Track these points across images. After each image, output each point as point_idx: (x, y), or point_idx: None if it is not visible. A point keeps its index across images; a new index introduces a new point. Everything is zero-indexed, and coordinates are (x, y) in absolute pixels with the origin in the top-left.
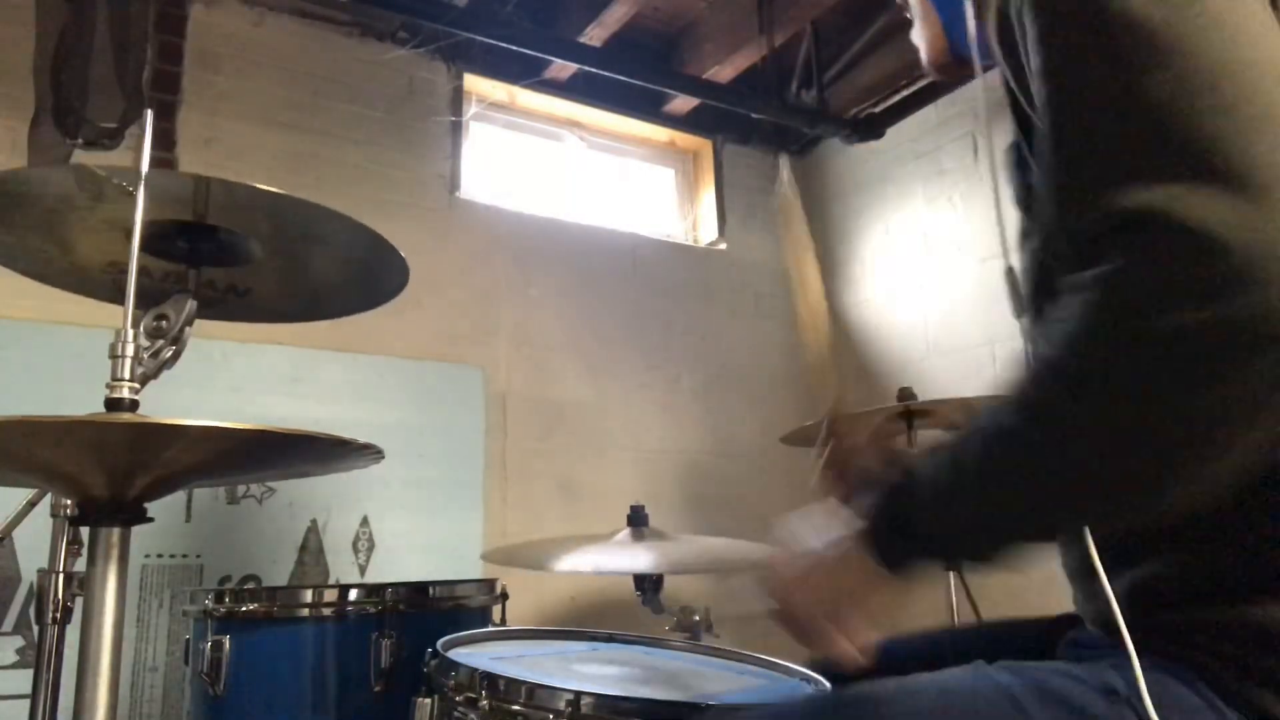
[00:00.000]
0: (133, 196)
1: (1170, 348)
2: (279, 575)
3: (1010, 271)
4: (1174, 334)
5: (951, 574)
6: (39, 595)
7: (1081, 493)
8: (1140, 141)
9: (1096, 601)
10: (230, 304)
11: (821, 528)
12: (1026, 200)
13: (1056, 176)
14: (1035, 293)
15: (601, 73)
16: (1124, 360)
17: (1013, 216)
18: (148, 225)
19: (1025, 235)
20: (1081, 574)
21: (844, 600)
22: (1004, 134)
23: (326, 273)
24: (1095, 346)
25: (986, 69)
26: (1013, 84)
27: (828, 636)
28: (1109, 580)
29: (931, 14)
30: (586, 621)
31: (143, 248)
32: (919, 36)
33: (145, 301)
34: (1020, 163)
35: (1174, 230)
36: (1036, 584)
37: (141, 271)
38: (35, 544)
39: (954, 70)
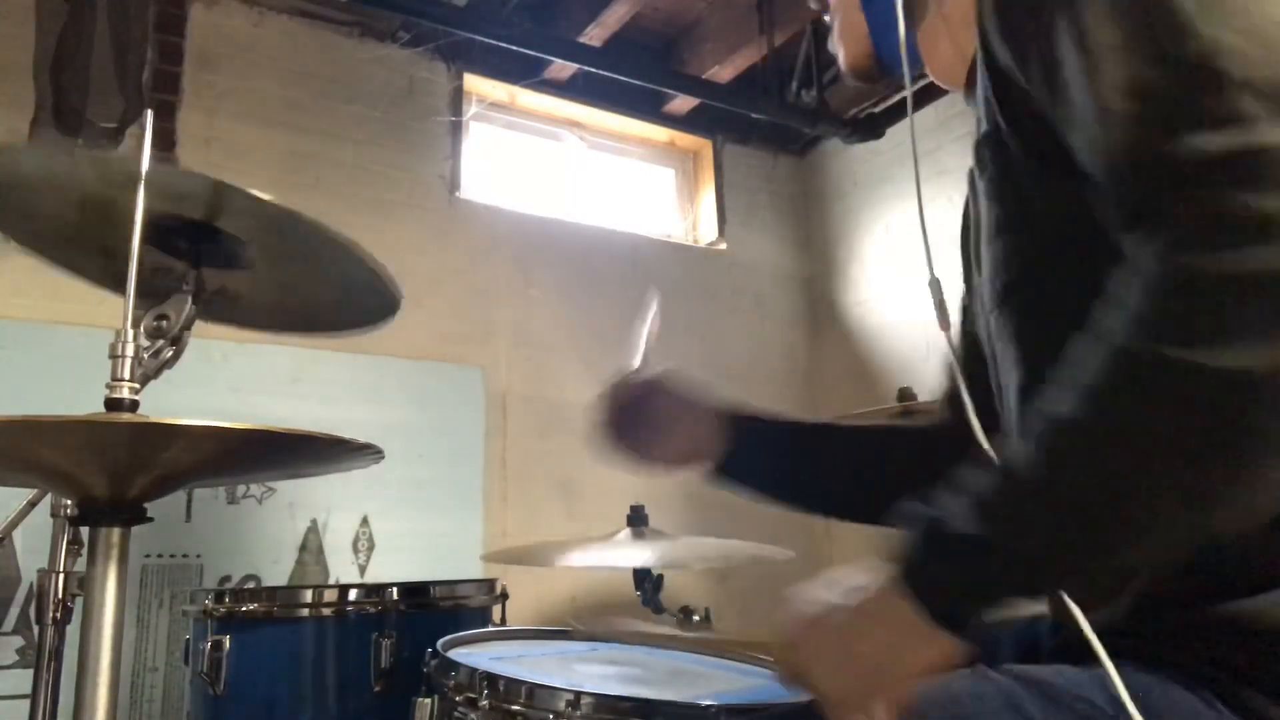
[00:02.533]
0: (146, 191)
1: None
2: (279, 575)
3: (936, 283)
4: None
5: None
6: (39, 595)
7: (1171, 486)
8: (1219, 85)
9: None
10: (219, 307)
11: (846, 586)
12: (1012, 190)
13: (1124, 123)
14: (1012, 288)
15: (601, 73)
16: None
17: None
18: (148, 218)
19: (1000, 229)
20: None
21: (884, 661)
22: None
23: (322, 288)
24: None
25: (916, 77)
26: (1012, 69)
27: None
28: None
29: (857, 18)
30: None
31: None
32: (838, 41)
33: (138, 295)
34: (999, 152)
35: (1265, 163)
36: None
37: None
38: (35, 544)
39: (874, 75)
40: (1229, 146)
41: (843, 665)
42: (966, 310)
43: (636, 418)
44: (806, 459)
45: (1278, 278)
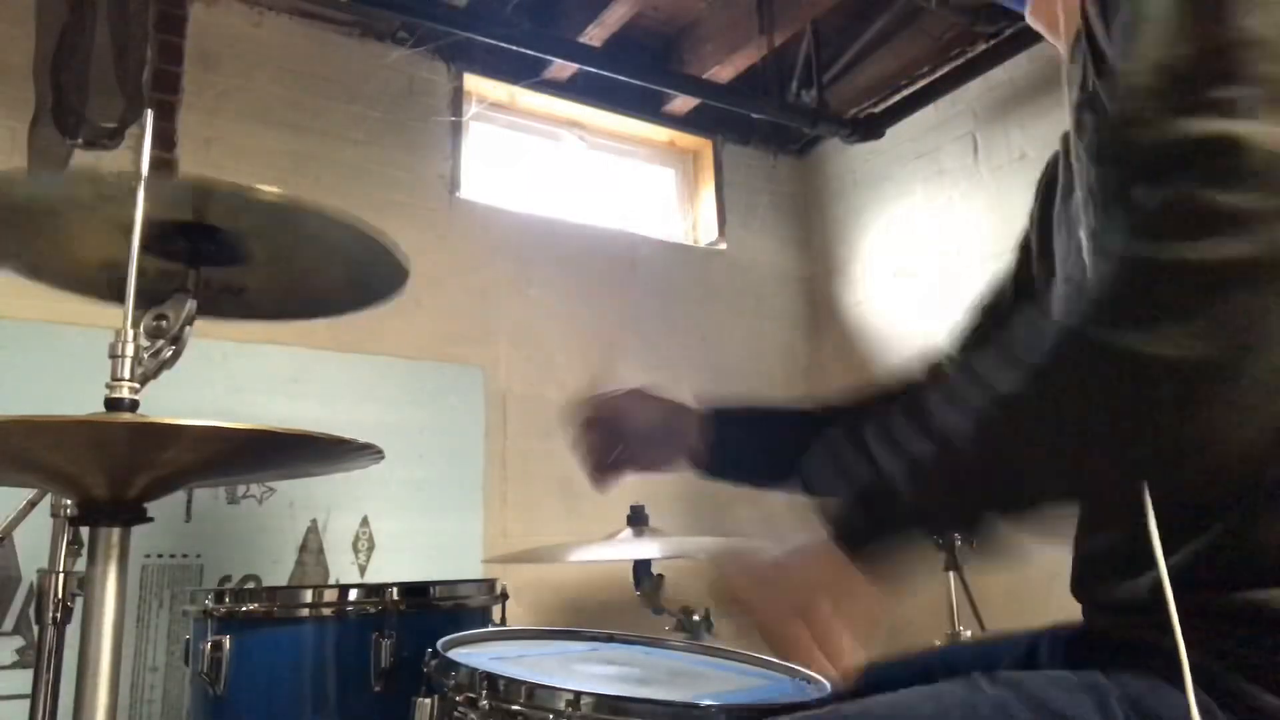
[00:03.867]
0: (134, 197)
1: (1226, 272)
2: (279, 575)
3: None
4: (1229, 259)
5: (952, 577)
6: (39, 595)
7: (1106, 440)
8: (1228, 74)
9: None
10: (226, 302)
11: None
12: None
13: (1130, 95)
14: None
15: (601, 73)
16: (1172, 283)
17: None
18: (146, 224)
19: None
20: (1115, 562)
21: (815, 598)
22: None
23: (325, 273)
24: (1143, 276)
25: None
26: (1098, 29)
27: (800, 643)
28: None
29: None
30: (586, 621)
31: (141, 247)
32: None
33: (143, 301)
34: (1097, 114)
35: (1243, 157)
36: (1036, 586)
37: (138, 271)
38: (35, 544)
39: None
40: (1207, 132)
41: (771, 587)
42: (1026, 278)
43: (614, 431)
44: (788, 445)
45: (1222, 269)
